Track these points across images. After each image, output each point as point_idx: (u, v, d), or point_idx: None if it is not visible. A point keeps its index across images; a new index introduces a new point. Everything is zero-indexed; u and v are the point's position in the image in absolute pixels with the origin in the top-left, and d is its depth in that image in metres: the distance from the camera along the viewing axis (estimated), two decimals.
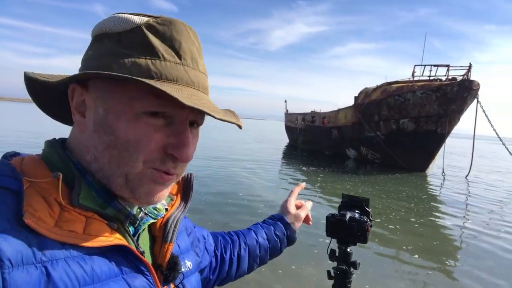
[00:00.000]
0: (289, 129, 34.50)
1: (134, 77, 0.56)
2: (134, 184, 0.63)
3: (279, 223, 1.24)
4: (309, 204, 1.33)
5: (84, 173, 0.64)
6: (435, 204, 10.11)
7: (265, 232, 1.21)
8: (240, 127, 0.69)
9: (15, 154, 0.68)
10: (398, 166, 17.65)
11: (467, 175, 16.01)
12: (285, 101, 38.96)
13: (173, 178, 0.67)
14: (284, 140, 35.33)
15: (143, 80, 0.56)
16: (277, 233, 1.21)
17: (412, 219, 7.92)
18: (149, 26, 0.63)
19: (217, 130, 40.57)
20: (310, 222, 1.33)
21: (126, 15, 0.63)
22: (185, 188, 0.85)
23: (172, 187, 0.84)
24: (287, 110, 37.12)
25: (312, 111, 28.28)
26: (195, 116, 0.66)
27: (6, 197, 0.56)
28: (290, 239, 1.24)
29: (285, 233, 1.23)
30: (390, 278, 4.73)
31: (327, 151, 23.75)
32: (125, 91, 0.60)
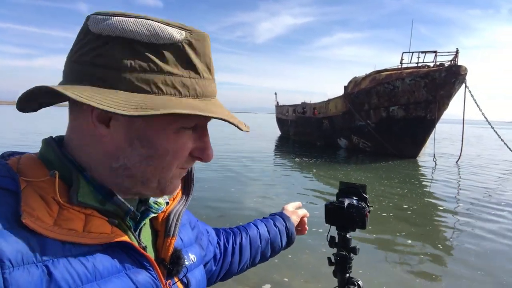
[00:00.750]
0: (280, 121, 34.53)
1: (198, 113, 0.58)
2: (165, 185, 0.68)
3: (277, 216, 1.30)
4: (303, 210, 1.40)
5: (81, 170, 0.63)
6: (427, 190, 10.25)
7: (264, 224, 1.25)
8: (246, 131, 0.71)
9: (12, 153, 0.67)
10: (389, 153, 17.81)
11: (458, 160, 16.21)
12: (275, 93, 38.95)
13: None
14: (276, 132, 35.38)
15: (204, 114, 0.59)
16: (276, 224, 1.26)
17: (405, 206, 8.01)
18: (188, 43, 0.62)
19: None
20: (305, 232, 1.40)
21: (162, 25, 0.61)
22: (186, 181, 0.85)
23: None
24: (277, 102, 37.12)
25: (302, 103, 28.33)
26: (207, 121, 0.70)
27: (3, 198, 0.55)
28: (290, 233, 1.28)
29: (284, 224, 1.27)
30: (384, 263, 4.80)
31: (319, 141, 23.85)
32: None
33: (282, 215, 1.31)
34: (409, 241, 5.71)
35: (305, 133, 26.23)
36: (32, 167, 0.62)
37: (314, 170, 12.45)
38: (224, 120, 0.62)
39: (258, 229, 1.21)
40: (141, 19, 0.60)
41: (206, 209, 6.98)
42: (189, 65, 0.62)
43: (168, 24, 0.61)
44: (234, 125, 0.64)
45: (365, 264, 4.59)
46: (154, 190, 0.68)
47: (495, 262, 4.98)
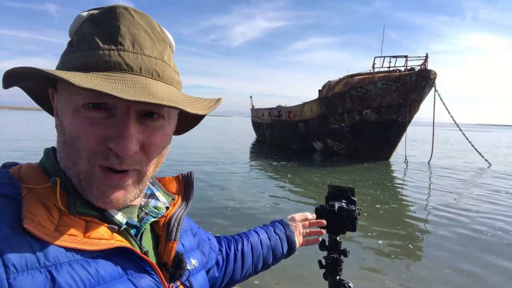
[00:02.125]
0: (256, 125, 34.58)
1: (40, 69, 0.53)
2: (86, 186, 0.61)
3: (277, 223, 1.30)
4: (309, 215, 1.35)
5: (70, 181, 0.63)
6: (399, 190, 10.51)
7: (265, 231, 1.25)
8: (200, 116, 0.70)
9: (14, 164, 0.67)
10: (363, 155, 18.15)
11: (429, 161, 16.70)
12: (251, 97, 38.99)
13: (127, 178, 0.63)
14: (252, 135, 35.41)
15: (48, 72, 0.52)
16: (276, 231, 1.26)
17: (377, 206, 8.19)
18: (90, 19, 0.62)
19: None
20: (320, 239, 1.34)
21: (82, 12, 0.64)
22: (186, 187, 0.85)
23: (169, 185, 0.85)
24: (253, 106, 37.17)
25: (278, 106, 28.48)
26: (146, 106, 0.61)
27: (5, 205, 0.56)
28: (290, 241, 1.27)
29: (284, 231, 1.27)
30: (354, 263, 4.85)
31: (294, 144, 24.03)
32: (67, 87, 0.61)
33: (281, 222, 1.31)
34: (380, 241, 5.83)
35: (280, 136, 26.37)
36: (33, 174, 0.63)
37: (289, 175, 12.52)
38: (96, 91, 0.51)
39: (259, 235, 1.22)
40: (78, 15, 0.65)
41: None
42: (86, 40, 0.60)
43: (93, 9, 0.65)
44: (119, 97, 0.52)
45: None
46: (78, 188, 0.62)
47: (466, 257, 5.16)
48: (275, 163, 15.65)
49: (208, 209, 7.49)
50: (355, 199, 1.30)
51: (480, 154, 17.09)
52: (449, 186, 10.87)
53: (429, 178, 12.73)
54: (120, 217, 0.66)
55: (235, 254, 1.13)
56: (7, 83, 0.59)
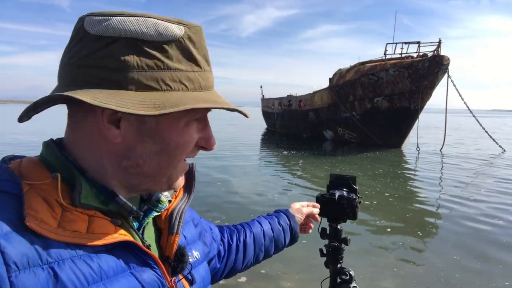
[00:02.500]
0: (266, 115, 34.51)
1: (215, 106, 0.63)
2: (173, 179, 0.70)
3: (282, 214, 1.28)
4: (315, 210, 1.33)
5: (83, 172, 0.63)
6: (410, 179, 10.42)
7: (268, 222, 1.24)
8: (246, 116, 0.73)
9: (13, 157, 0.67)
10: (374, 144, 18.00)
11: (441, 148, 16.49)
12: (261, 86, 38.87)
13: None
14: (262, 125, 35.39)
15: (220, 107, 0.63)
16: (281, 222, 1.24)
17: (387, 194, 8.14)
18: (188, 37, 0.63)
19: None
20: (310, 231, 1.35)
21: (163, 22, 0.61)
22: (188, 179, 0.85)
23: None
24: (263, 95, 37.05)
25: (288, 95, 28.35)
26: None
27: (6, 201, 0.55)
28: (293, 232, 1.26)
29: (288, 223, 1.25)
30: (362, 252, 4.85)
31: (305, 133, 23.95)
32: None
33: (287, 212, 1.29)
34: (389, 229, 5.81)
35: (291, 126, 26.30)
36: (33, 170, 0.63)
37: (301, 162, 12.52)
38: (235, 110, 0.66)
39: (262, 226, 1.21)
40: (142, 18, 0.60)
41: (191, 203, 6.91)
42: (191, 60, 0.64)
43: (168, 21, 0.61)
44: (242, 113, 0.69)
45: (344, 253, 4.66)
46: (163, 185, 0.69)
47: (472, 248, 5.06)
48: (285, 152, 15.65)
49: (216, 197, 7.56)
50: (357, 187, 1.30)
51: (494, 140, 16.81)
52: (461, 174, 10.72)
53: (441, 166, 12.59)
54: (130, 203, 0.66)
55: (237, 245, 1.13)
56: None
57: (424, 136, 21.61)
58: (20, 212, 0.54)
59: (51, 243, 0.54)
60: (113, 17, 0.59)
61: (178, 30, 0.62)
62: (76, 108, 0.63)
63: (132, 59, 0.59)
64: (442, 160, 13.77)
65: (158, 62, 0.60)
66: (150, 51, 0.60)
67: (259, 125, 35.99)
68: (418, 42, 17.61)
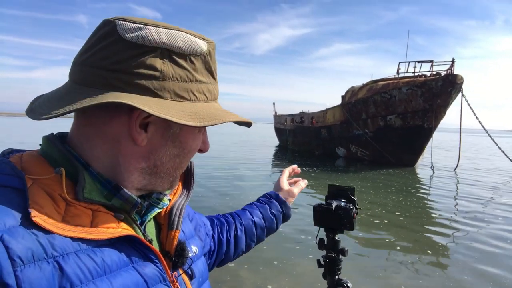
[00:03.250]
0: (278, 131, 34.54)
1: (242, 120, 0.72)
2: (176, 179, 0.77)
3: (274, 201, 1.28)
4: (303, 182, 1.38)
5: (87, 166, 0.64)
6: (423, 198, 10.23)
7: (260, 211, 1.24)
8: (250, 124, 0.78)
9: (12, 151, 0.68)
10: (387, 162, 17.81)
11: (456, 168, 16.23)
12: (274, 103, 39.01)
13: None
14: (274, 141, 35.39)
15: (244, 120, 0.73)
16: (273, 211, 1.25)
17: (398, 213, 8.02)
18: (209, 53, 0.70)
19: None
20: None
21: (194, 38, 0.67)
22: (186, 176, 0.87)
23: None
24: (275, 112, 37.16)
25: (300, 112, 28.38)
26: None
27: (10, 196, 0.56)
28: (286, 216, 1.28)
29: (281, 210, 1.26)
30: (369, 271, 4.77)
31: (317, 150, 23.86)
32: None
33: (278, 198, 1.29)
34: (398, 248, 5.71)
35: (303, 142, 26.25)
36: (36, 164, 0.63)
37: (311, 181, 12.43)
38: (247, 122, 0.75)
39: (253, 218, 1.21)
40: (177, 31, 0.65)
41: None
42: (210, 73, 0.70)
43: (195, 36, 0.67)
44: (247, 123, 0.75)
45: (350, 270, 4.59)
46: (168, 184, 0.74)
47: (483, 271, 4.90)
48: (298, 168, 15.53)
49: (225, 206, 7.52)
50: (355, 198, 1.29)
51: (510, 160, 16.47)
52: (475, 195, 10.48)
53: (455, 185, 12.36)
54: (135, 196, 0.67)
55: (228, 240, 1.13)
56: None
57: (438, 155, 21.30)
58: (24, 206, 0.55)
59: (55, 237, 0.55)
60: (150, 27, 0.62)
61: (203, 46, 0.68)
62: (94, 110, 0.62)
63: (168, 69, 0.63)
64: (456, 180, 13.52)
65: (189, 74, 0.66)
66: (182, 63, 0.65)
67: (272, 141, 36.00)
68: (431, 61, 17.55)
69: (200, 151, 0.78)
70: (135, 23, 0.61)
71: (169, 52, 0.63)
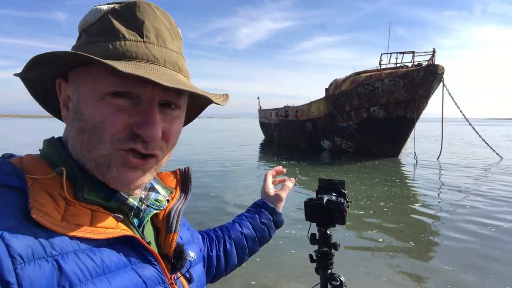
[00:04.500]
0: (263, 125, 34.59)
1: (82, 53, 0.57)
2: (104, 168, 0.63)
3: (263, 210, 1.22)
4: (290, 183, 1.31)
5: (83, 169, 0.64)
6: (407, 188, 10.38)
7: (249, 222, 1.19)
8: (218, 104, 0.72)
9: (11, 155, 0.68)
10: (371, 153, 18.03)
11: (438, 157, 16.53)
12: (258, 97, 39.04)
13: (148, 162, 0.66)
14: (260, 136, 35.44)
15: (93, 57, 0.56)
16: (263, 221, 1.20)
17: (382, 203, 8.11)
18: (113, 12, 0.64)
19: (188, 132, 40.34)
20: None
21: (99, 6, 0.65)
22: (183, 181, 0.87)
23: (166, 179, 0.87)
24: (260, 106, 37.19)
25: (285, 106, 28.45)
26: (167, 96, 0.65)
27: (10, 195, 0.56)
28: (278, 223, 1.24)
29: (271, 218, 1.22)
30: (354, 262, 4.81)
31: (302, 144, 23.98)
32: (90, 75, 0.62)
33: (266, 207, 1.23)
34: (380, 239, 5.77)
35: (288, 136, 26.35)
36: (36, 165, 0.64)
37: (297, 174, 12.49)
38: (145, 78, 0.56)
39: (243, 230, 1.16)
40: (93, 8, 0.67)
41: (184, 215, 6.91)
42: (110, 31, 0.63)
43: (111, 3, 0.66)
44: (161, 84, 0.57)
45: (337, 262, 4.64)
46: (94, 172, 0.64)
47: (465, 259, 4.97)
48: (284, 162, 15.61)
49: (211, 207, 7.53)
50: (346, 192, 1.29)
51: (491, 148, 16.85)
52: (458, 183, 10.68)
53: (438, 174, 12.59)
54: (132, 200, 0.68)
55: (218, 255, 1.10)
56: (29, 69, 0.62)
57: (421, 145, 21.63)
58: (24, 205, 0.55)
59: (55, 236, 0.55)
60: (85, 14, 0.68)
61: (105, 7, 0.65)
62: None
63: (75, 45, 0.67)
64: (439, 169, 13.78)
65: (85, 40, 0.65)
66: (85, 34, 0.66)
67: (257, 136, 36.03)
68: (413, 52, 17.77)
69: (139, 136, 0.62)
70: None
71: (83, 30, 0.66)
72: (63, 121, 0.70)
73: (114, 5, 0.65)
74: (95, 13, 0.65)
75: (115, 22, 0.63)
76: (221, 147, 23.14)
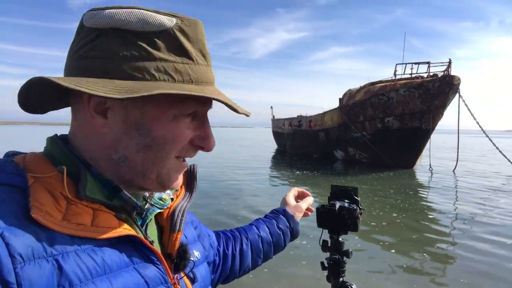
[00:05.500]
0: (276, 135, 34.58)
1: (186, 93, 0.59)
2: (164, 177, 0.67)
3: (281, 216, 1.23)
4: (310, 199, 1.32)
5: (88, 166, 0.64)
6: (421, 200, 10.24)
7: (267, 226, 1.19)
8: (247, 115, 0.73)
9: (15, 153, 0.68)
10: (385, 164, 17.81)
11: (454, 169, 16.24)
12: (271, 107, 39.13)
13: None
14: (273, 145, 35.41)
15: (193, 94, 0.59)
16: (280, 226, 1.20)
17: (394, 214, 8.01)
18: (179, 29, 0.63)
19: None
20: (309, 213, 1.33)
21: (153, 13, 0.61)
22: (189, 179, 0.86)
23: None
24: (273, 116, 37.22)
25: (298, 116, 28.42)
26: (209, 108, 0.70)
27: (11, 194, 0.56)
28: (294, 232, 1.23)
29: (288, 225, 1.21)
30: (364, 271, 4.74)
31: (316, 154, 23.86)
32: (167, 97, 0.60)
33: (285, 214, 1.24)
34: (393, 250, 5.68)
35: (301, 146, 26.26)
36: (38, 163, 0.63)
37: (310, 183, 12.42)
38: (221, 101, 0.63)
39: (260, 232, 1.16)
40: (131, 9, 0.61)
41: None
42: (181, 51, 0.63)
43: (158, 12, 0.62)
44: (231, 107, 0.64)
45: (348, 272, 4.59)
46: (154, 182, 0.67)
47: (479, 272, 4.86)
48: (298, 172, 15.56)
49: (222, 215, 7.53)
50: (358, 198, 1.27)
51: (509, 160, 16.49)
52: (474, 196, 10.48)
53: (454, 187, 12.35)
54: (135, 198, 0.67)
55: (233, 254, 1.09)
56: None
57: (437, 157, 21.32)
58: (25, 204, 0.54)
59: (55, 236, 0.54)
60: (106, 10, 0.61)
61: (168, 21, 0.62)
62: (74, 101, 0.65)
63: (118, 48, 0.60)
64: (455, 181, 13.53)
65: (144, 52, 0.60)
66: (137, 40, 0.60)
67: (270, 145, 36.00)
68: (428, 63, 17.59)
69: (201, 148, 0.69)
70: (96, 10, 0.62)
71: (121, 32, 0.60)
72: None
73: (175, 20, 0.63)
74: (152, 21, 0.61)
75: (185, 42, 0.63)
76: (233, 156, 23.14)
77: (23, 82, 0.57)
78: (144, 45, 0.60)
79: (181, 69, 0.62)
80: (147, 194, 0.74)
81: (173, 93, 0.58)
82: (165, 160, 0.66)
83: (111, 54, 0.59)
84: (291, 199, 1.30)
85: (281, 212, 1.24)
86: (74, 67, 0.62)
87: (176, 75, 0.61)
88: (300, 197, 1.34)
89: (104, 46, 0.60)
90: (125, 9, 0.61)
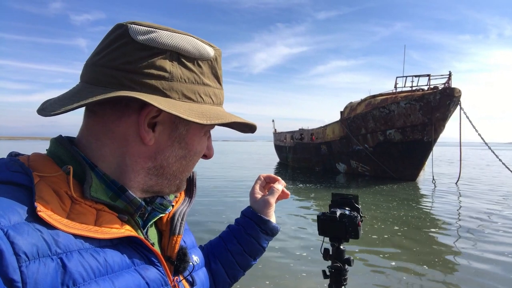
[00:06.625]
0: (278, 148, 34.57)
1: (244, 121, 0.73)
2: (183, 182, 0.77)
3: (249, 220, 1.07)
4: (279, 185, 1.12)
5: (93, 166, 0.65)
6: (424, 213, 10.14)
7: (234, 236, 1.07)
8: (254, 128, 0.81)
9: (18, 154, 0.69)
10: (388, 177, 17.75)
11: (457, 181, 16.17)
12: (273, 120, 39.22)
13: None
14: (274, 159, 35.36)
15: (249, 122, 0.76)
16: (248, 232, 1.05)
17: (396, 227, 7.95)
18: (215, 58, 0.73)
19: None
20: (288, 196, 1.15)
21: (201, 43, 0.70)
22: (188, 185, 0.87)
23: None
24: (275, 129, 37.27)
25: (300, 129, 28.45)
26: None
27: (17, 192, 0.56)
28: (269, 230, 1.06)
29: (259, 227, 1.05)
30: (368, 284, 4.70)
31: (318, 167, 23.82)
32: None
33: (252, 216, 1.07)
34: (393, 263, 5.63)
35: (303, 159, 26.23)
36: (43, 163, 0.64)
37: (313, 196, 12.36)
38: (251, 125, 0.77)
39: (227, 246, 1.05)
40: (186, 36, 0.68)
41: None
42: (216, 78, 0.73)
43: (203, 42, 0.71)
44: (251, 127, 0.78)
45: (349, 286, 4.55)
46: (174, 187, 0.75)
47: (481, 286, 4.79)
48: (300, 185, 15.49)
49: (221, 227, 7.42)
50: (359, 206, 1.27)
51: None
52: (477, 208, 10.40)
53: (457, 199, 12.28)
54: (139, 199, 0.68)
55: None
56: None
57: (439, 169, 21.22)
58: (30, 203, 0.55)
59: (59, 234, 0.55)
60: (161, 30, 0.65)
61: (210, 51, 0.71)
62: (97, 108, 0.66)
63: (176, 71, 0.66)
64: (458, 193, 13.45)
65: (196, 76, 0.68)
66: (190, 66, 0.68)
67: (272, 159, 35.96)
68: (428, 75, 17.66)
69: (205, 156, 0.79)
70: (146, 26, 0.65)
71: (177, 55, 0.66)
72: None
73: (212, 48, 0.72)
74: (202, 50, 0.69)
75: (219, 72, 0.74)
76: (234, 170, 23.10)
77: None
78: (196, 70, 0.69)
79: (217, 94, 0.73)
80: (148, 198, 0.75)
81: (240, 122, 0.72)
82: (190, 169, 0.77)
83: (171, 75, 0.65)
84: (256, 192, 1.10)
85: (247, 214, 1.08)
86: (118, 78, 0.62)
87: (215, 99, 0.72)
88: (270, 184, 1.14)
89: (163, 66, 0.64)
90: (181, 35, 0.67)
